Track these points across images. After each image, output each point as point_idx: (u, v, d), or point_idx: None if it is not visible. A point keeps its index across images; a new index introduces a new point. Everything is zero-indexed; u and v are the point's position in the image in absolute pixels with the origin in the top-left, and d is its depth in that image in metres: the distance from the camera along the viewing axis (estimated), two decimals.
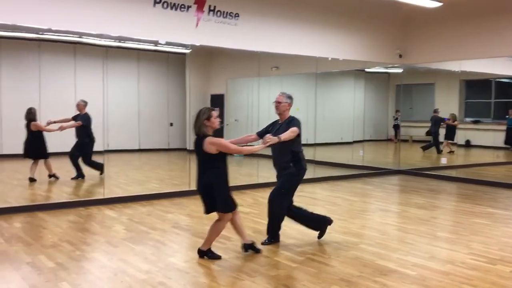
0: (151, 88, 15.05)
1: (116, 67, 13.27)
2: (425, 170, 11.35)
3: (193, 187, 8.49)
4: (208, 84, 15.39)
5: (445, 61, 10.85)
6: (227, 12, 8.14)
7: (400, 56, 10.91)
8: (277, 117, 5.40)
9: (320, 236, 5.52)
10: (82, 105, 9.33)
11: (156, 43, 11.29)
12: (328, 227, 5.53)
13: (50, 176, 9.20)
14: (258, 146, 4.91)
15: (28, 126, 8.93)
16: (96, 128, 9.52)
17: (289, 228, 5.98)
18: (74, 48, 12.79)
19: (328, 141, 13.33)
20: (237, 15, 8.25)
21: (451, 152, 12.95)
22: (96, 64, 11.98)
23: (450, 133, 12.91)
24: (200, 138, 4.66)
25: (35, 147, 8.93)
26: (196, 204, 7.55)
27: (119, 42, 10.81)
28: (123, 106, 13.74)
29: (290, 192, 5.32)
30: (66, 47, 12.61)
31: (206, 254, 4.83)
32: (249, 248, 4.97)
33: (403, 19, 10.89)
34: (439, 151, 13.40)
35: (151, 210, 7.12)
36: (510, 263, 4.70)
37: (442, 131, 13.16)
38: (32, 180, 8.91)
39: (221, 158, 4.68)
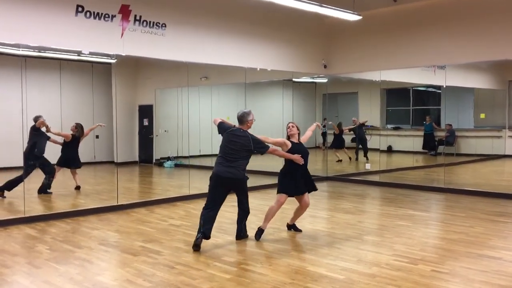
0: (75, 99, 14.39)
1: (35, 77, 12.60)
2: (351, 176, 11.80)
3: (121, 201, 8.30)
4: (136, 94, 15.05)
5: (366, 71, 11.41)
6: (153, 22, 8.02)
7: (325, 66, 11.31)
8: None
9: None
10: None
11: (79, 53, 10.89)
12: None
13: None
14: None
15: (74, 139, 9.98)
16: (14, 142, 8.97)
17: (221, 239, 5.97)
18: None
19: None
20: (164, 25, 8.16)
21: (339, 161, 13.97)
22: (13, 75, 11.30)
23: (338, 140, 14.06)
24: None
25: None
26: (125, 219, 7.34)
27: (39, 52, 10.28)
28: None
29: None
30: None
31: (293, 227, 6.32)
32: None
33: (327, 32, 11.31)
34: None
35: (77, 227, 6.80)
36: (430, 262, 4.98)
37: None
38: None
39: None
